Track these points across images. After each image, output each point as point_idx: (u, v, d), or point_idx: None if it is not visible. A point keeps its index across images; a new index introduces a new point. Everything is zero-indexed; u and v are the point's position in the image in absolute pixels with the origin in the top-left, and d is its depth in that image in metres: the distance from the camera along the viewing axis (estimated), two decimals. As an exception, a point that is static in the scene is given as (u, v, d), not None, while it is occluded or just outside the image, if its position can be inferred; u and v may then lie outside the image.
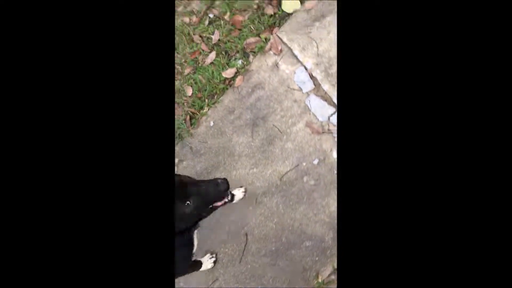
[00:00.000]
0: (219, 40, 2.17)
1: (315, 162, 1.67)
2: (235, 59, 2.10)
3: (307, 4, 1.97)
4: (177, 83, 2.21)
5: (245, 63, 2.06)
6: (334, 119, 1.69)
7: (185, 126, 2.08)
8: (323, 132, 1.70)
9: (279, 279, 1.59)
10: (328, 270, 1.51)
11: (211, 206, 1.20)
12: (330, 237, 1.55)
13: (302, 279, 1.54)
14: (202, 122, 2.05)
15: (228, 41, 2.14)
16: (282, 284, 1.57)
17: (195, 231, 1.32)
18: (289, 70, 1.88)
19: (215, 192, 1.13)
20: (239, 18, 2.15)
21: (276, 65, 1.93)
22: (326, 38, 1.84)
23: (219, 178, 1.16)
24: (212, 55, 2.15)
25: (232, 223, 1.75)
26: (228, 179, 1.18)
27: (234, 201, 1.74)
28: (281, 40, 1.95)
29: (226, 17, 2.21)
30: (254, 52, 2.04)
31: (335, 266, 1.50)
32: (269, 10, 2.06)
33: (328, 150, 1.66)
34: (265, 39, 2.03)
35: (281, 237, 1.64)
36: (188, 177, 1.23)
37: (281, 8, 2.03)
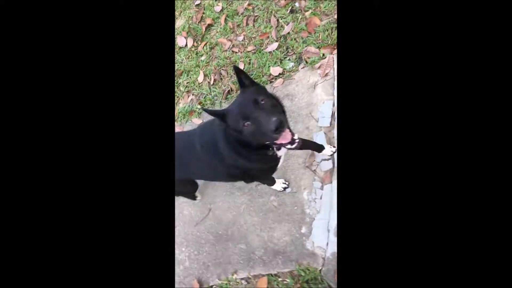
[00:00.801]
0: (288, 33, 2.20)
1: (288, 190, 1.78)
2: (289, 59, 2.14)
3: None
4: (238, 55, 2.37)
5: (294, 68, 2.09)
6: (324, 165, 1.72)
7: (221, 97, 2.31)
8: (307, 167, 1.76)
9: (210, 257, 1.90)
10: (243, 275, 1.75)
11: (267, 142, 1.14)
12: (259, 253, 1.74)
13: (223, 267, 1.83)
14: (232, 100, 2.25)
15: (294, 39, 2.16)
16: (208, 261, 1.88)
17: (280, 152, 1.33)
18: (321, 98, 1.88)
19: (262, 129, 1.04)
20: (316, 21, 2.10)
21: (314, 86, 1.93)
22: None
23: (274, 117, 1.02)
24: (275, 45, 2.21)
25: (207, 195, 2.06)
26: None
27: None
28: (333, 64, 1.91)
29: (307, 14, 2.17)
30: (307, 62, 2.04)
31: (250, 275, 1.73)
32: (343, 28, 1.96)
33: (302, 187, 1.74)
34: (323, 55, 1.99)
35: (229, 228, 1.89)
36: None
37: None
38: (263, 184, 1.79)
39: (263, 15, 2.38)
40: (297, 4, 2.25)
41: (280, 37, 2.23)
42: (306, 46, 2.08)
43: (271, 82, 2.14)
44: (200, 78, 2.48)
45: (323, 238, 1.58)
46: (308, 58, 2.04)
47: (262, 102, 1.07)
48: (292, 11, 2.26)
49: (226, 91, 2.30)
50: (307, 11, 2.17)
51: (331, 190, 1.65)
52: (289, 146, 1.13)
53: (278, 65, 2.15)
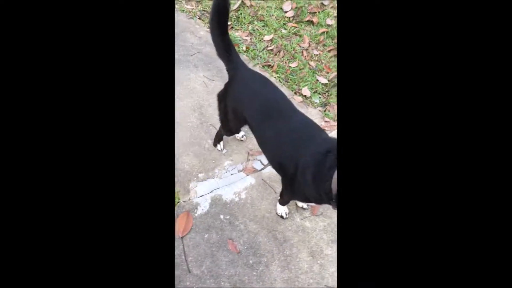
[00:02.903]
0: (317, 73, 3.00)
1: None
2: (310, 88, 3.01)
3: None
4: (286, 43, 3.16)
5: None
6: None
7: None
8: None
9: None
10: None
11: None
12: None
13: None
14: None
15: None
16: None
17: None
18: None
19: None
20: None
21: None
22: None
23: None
24: (299, 66, 3.05)
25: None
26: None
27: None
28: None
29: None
30: (298, 93, 2.92)
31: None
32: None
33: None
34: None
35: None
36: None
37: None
38: (280, 197, 1.74)
39: (330, 42, 3.13)
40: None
41: (312, 66, 3.04)
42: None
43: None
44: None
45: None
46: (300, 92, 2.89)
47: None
48: (333, 84, 2.70)
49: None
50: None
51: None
52: (313, 204, 1.32)
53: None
